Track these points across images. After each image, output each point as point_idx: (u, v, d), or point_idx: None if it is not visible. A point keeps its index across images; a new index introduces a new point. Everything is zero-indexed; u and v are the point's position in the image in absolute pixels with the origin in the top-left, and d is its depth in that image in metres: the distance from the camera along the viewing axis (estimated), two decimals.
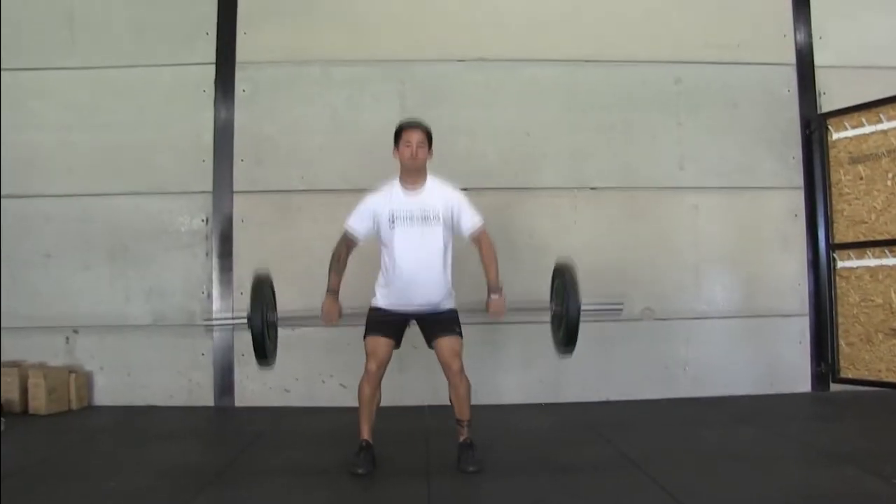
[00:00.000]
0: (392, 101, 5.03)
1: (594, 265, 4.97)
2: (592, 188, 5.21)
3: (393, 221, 3.49)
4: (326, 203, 4.96)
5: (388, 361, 3.54)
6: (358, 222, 3.58)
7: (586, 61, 5.24)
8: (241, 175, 5.10)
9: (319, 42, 5.18)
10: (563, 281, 3.54)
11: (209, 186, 5.09)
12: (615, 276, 5.10)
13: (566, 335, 3.50)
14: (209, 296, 5.06)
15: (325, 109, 5.15)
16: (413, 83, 5.16)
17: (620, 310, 3.80)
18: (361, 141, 4.92)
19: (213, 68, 5.12)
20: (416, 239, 3.49)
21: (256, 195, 5.11)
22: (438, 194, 3.55)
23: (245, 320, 3.53)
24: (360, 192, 3.70)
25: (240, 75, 5.13)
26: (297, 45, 5.15)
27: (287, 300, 4.86)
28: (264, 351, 3.54)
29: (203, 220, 5.10)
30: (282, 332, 4.89)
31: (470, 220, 3.55)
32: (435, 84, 5.17)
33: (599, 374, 5.10)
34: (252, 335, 3.49)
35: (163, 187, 5.10)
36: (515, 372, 5.10)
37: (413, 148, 3.49)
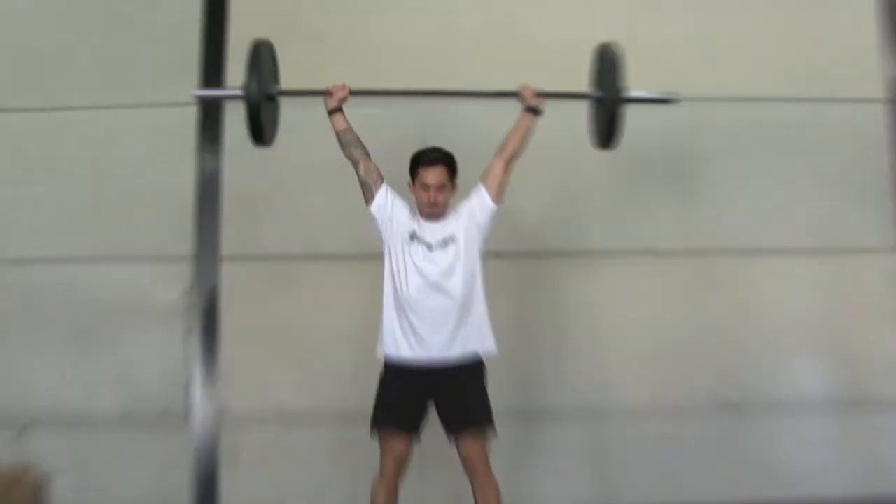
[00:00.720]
0: (411, 147, 4.43)
1: (657, 344, 4.60)
2: (652, 251, 4.67)
3: (412, 238, 3.26)
4: (331, 271, 4.54)
5: (408, 459, 3.20)
6: (387, 192, 3.43)
7: None
8: (230, 237, 4.58)
9: (326, 78, 4.46)
10: (606, 64, 3.40)
11: (191, 250, 4.57)
12: (682, 356, 4.60)
13: (607, 124, 3.38)
14: (188, 383, 4.46)
15: (331, 158, 4.45)
16: (434, 124, 4.52)
17: (675, 101, 3.52)
18: None
19: (196, 109, 4.61)
20: (433, 261, 3.22)
21: (247, 261, 4.59)
22: (455, 217, 3.36)
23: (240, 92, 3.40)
24: (371, 258, 3.44)
25: (229, 118, 4.55)
26: (299, 82, 4.54)
27: (282, 384, 4.48)
28: (259, 122, 3.45)
29: (183, 292, 4.57)
30: (277, 434, 4.43)
31: (478, 192, 3.37)
32: (459, 125, 4.51)
33: (665, 473, 4.52)
34: (247, 106, 3.44)
35: (135, 252, 4.58)
36: (560, 474, 4.52)
37: (431, 193, 3.26)
